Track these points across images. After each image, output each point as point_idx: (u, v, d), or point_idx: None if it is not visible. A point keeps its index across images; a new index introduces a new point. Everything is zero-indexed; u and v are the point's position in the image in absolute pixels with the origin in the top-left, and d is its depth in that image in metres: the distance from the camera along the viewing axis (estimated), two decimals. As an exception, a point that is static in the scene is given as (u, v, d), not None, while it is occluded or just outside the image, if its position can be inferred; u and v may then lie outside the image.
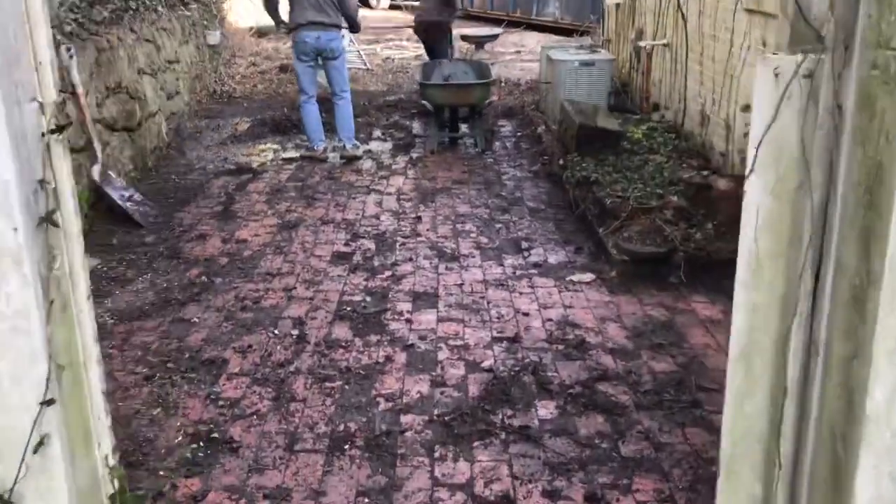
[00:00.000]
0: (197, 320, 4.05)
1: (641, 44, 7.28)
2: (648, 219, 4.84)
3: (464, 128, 8.02)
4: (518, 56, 13.50)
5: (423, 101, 7.47)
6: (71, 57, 5.26)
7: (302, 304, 4.24)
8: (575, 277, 4.57)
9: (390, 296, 4.35)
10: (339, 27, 7.40)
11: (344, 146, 7.31)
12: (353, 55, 13.19)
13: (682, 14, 6.79)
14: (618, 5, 9.10)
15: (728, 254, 4.43)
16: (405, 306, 4.22)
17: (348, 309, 4.18)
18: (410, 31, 16.64)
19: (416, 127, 8.56)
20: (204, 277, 4.60)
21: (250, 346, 3.77)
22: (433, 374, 3.51)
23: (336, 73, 7.44)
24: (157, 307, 4.21)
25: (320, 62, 7.23)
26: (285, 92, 10.19)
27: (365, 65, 12.39)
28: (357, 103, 9.33)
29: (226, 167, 7.06)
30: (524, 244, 5.17)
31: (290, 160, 7.29)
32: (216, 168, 7.04)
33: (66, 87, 5.24)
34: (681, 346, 3.75)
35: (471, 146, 7.72)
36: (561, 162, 6.20)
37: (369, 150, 7.64)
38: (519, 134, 8.21)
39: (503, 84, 10.83)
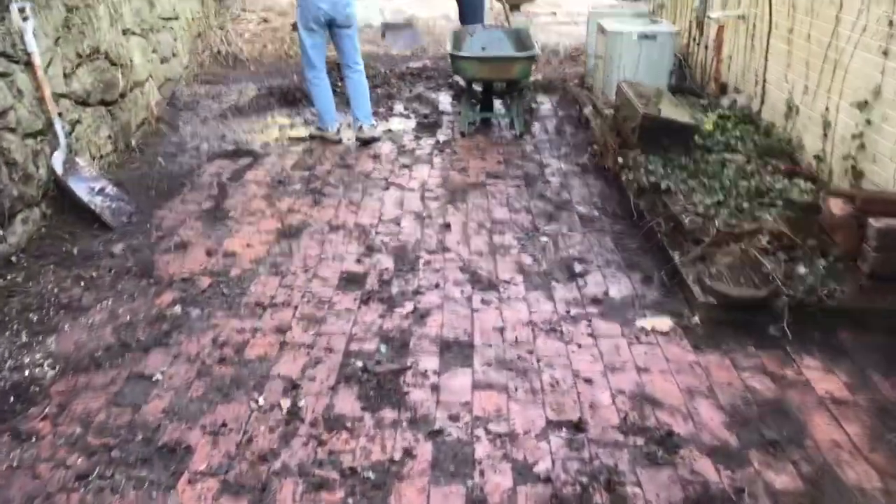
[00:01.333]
0: (160, 377, 3.12)
1: (713, 15, 6.16)
2: (739, 247, 3.83)
3: (497, 104, 6.99)
4: (554, 18, 12.31)
5: (454, 76, 6.42)
6: (25, 18, 4.27)
7: (298, 356, 3.29)
8: (647, 323, 3.59)
9: (412, 344, 3.40)
10: None
11: (360, 126, 6.31)
12: (374, 11, 12.08)
13: (768, -20, 5.67)
14: (677, -34, 7.94)
15: (850, 302, 3.43)
16: (430, 363, 3.26)
17: (357, 364, 3.23)
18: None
19: (444, 101, 7.52)
20: (178, 307, 3.65)
21: (225, 425, 2.83)
22: (469, 483, 2.57)
23: (349, 43, 6.37)
24: (111, 353, 3.27)
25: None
26: (297, 54, 9.09)
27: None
28: (376, 70, 8.31)
29: (222, 147, 6.08)
30: (577, 267, 4.19)
31: (297, 140, 6.29)
32: (211, 148, 6.05)
33: (19, 56, 4.26)
34: (802, 445, 2.78)
35: (506, 128, 6.69)
36: (619, 160, 5.16)
37: (389, 131, 6.62)
38: (561, 114, 7.14)
39: (540, 52, 9.71)
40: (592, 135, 6.21)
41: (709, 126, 5.50)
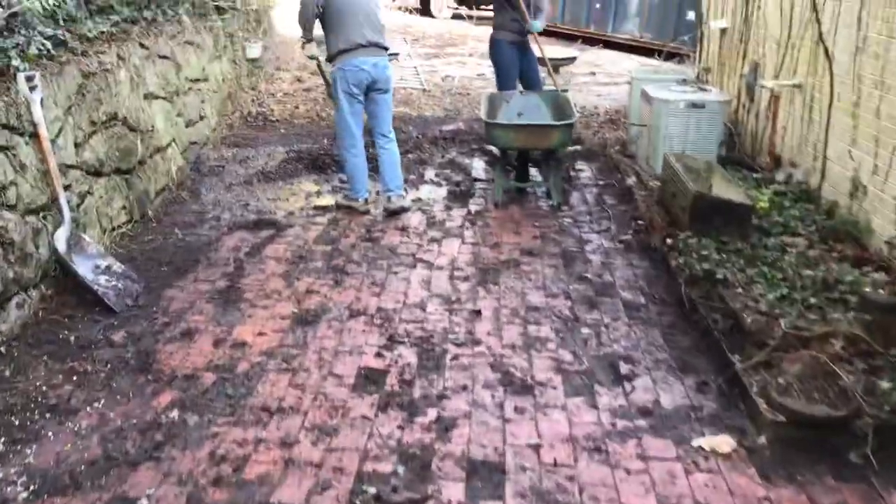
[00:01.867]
0: (146, 502, 2.73)
1: (766, 84, 5.77)
2: (809, 353, 3.37)
3: (533, 171, 6.63)
4: (593, 79, 12.03)
5: (489, 146, 6.10)
6: (33, 88, 4.03)
7: (304, 477, 2.88)
8: (705, 443, 3.13)
9: (434, 465, 2.97)
10: (389, 52, 6.11)
11: (389, 196, 5.99)
12: (410, 72, 11.91)
13: (827, 50, 5.28)
14: (724, 30, 7.59)
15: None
16: (455, 491, 2.82)
17: (370, 491, 2.80)
18: (474, 43, 15.35)
19: (477, 167, 7.18)
20: (176, 412, 3.28)
21: (212, 571, 2.42)
22: None
23: (386, 110, 6.10)
24: (95, 470, 2.89)
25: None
26: (329, 116, 8.90)
27: (422, 84, 11.07)
28: (408, 135, 8.04)
29: (245, 217, 5.77)
30: (623, 367, 3.74)
31: (323, 209, 5.97)
32: (233, 218, 5.75)
33: (24, 128, 4.00)
34: None
35: (542, 197, 6.32)
36: (668, 240, 4.74)
37: (419, 199, 6.28)
38: (601, 183, 6.76)
39: (579, 113, 9.40)
40: (636, 208, 5.80)
41: (764, 204, 5.06)
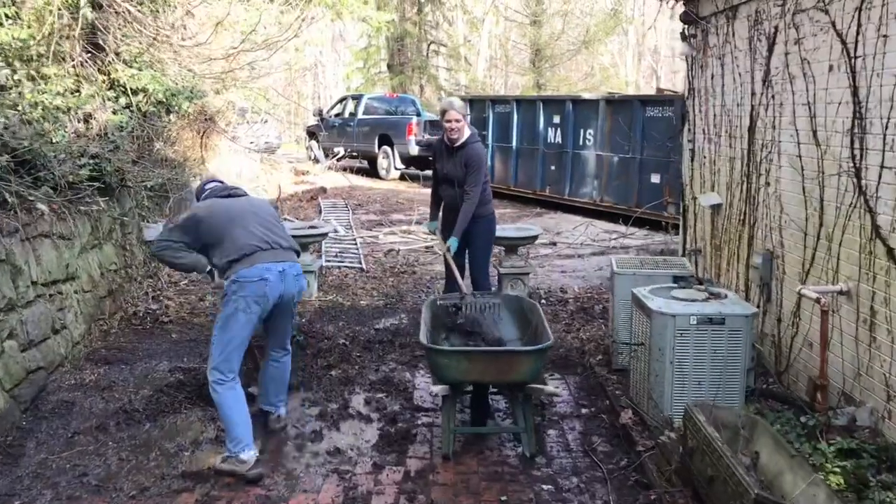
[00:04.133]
0: None
1: (810, 294, 4.27)
2: None
3: (494, 397, 4.97)
4: (554, 251, 10.66)
5: (433, 377, 4.46)
6: None
7: None
8: None
9: None
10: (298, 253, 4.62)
11: (278, 416, 4.78)
12: (349, 245, 10.41)
13: (892, 249, 3.83)
14: (716, 206, 6.25)
15: None
16: None
17: None
18: (424, 208, 13.97)
19: (421, 387, 5.50)
20: None
21: None
22: None
23: (289, 322, 4.64)
24: None
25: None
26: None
27: (360, 263, 9.53)
28: (333, 340, 6.37)
29: (74, 499, 3.92)
30: None
31: (193, 476, 4.15)
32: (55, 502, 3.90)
33: None
34: None
35: (508, 443, 4.62)
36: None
37: (336, 452, 4.51)
38: (585, 412, 5.09)
39: (543, 300, 7.87)
40: (643, 470, 4.11)
41: (838, 480, 3.41)
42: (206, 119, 11.37)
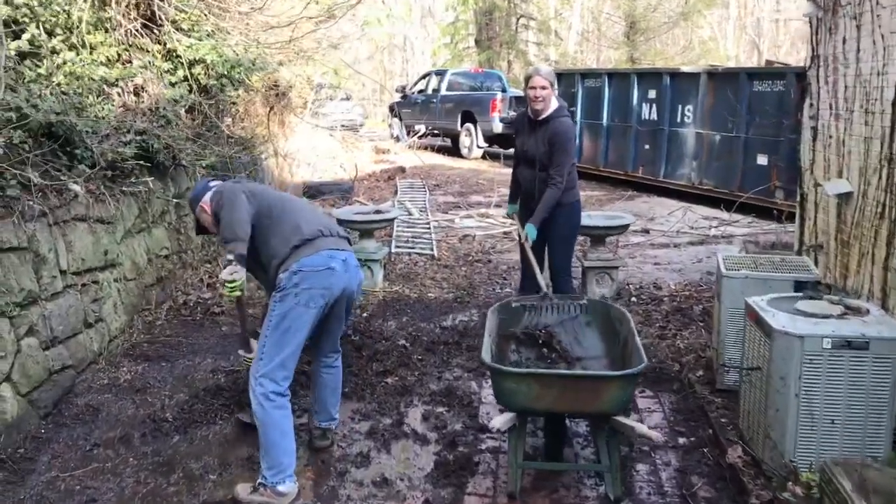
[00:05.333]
0: None
1: None
2: None
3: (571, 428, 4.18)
4: (647, 239, 9.68)
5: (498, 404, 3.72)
6: None
7: None
8: None
9: None
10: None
11: (324, 432, 4.17)
12: (422, 230, 9.73)
13: None
14: (844, 195, 5.22)
15: None
16: None
17: None
18: (505, 190, 13.10)
19: (488, 401, 4.75)
20: None
21: None
22: None
23: (344, 322, 4.03)
24: None
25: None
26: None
27: (431, 249, 8.83)
28: (392, 341, 5.69)
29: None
30: None
31: (217, 508, 3.56)
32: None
33: None
34: None
35: (588, 479, 3.84)
36: None
37: (383, 482, 3.82)
38: (683, 443, 4.23)
39: (633, 297, 6.98)
40: (758, 531, 3.26)
41: None
42: (277, 94, 10.87)
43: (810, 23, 6.13)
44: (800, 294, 3.99)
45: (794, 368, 3.41)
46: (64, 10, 5.40)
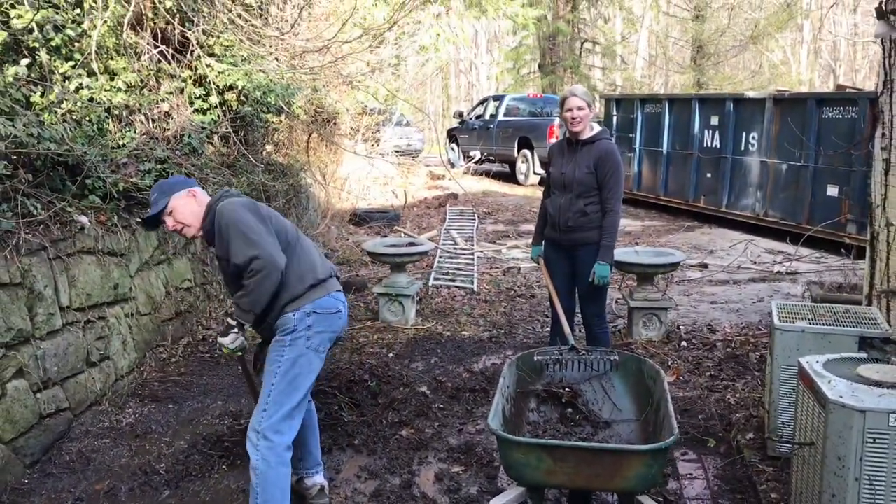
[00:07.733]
0: None
1: None
2: None
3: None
4: (705, 274, 9.06)
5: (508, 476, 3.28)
6: None
7: None
8: None
9: None
10: None
11: (317, 487, 3.74)
12: (465, 261, 9.33)
13: None
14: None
15: None
16: None
17: None
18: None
19: (510, 461, 4.28)
20: None
21: None
22: None
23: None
24: None
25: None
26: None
27: (472, 283, 8.41)
28: (412, 388, 5.29)
29: None
30: None
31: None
32: None
33: None
34: None
35: (613, 562, 3.34)
36: None
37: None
38: (725, 521, 3.71)
39: (682, 342, 6.42)
40: None
41: None
42: (323, 120, 10.68)
43: (882, 45, 5.54)
44: (864, 355, 3.43)
45: (854, 448, 2.87)
46: (78, 36, 5.22)
